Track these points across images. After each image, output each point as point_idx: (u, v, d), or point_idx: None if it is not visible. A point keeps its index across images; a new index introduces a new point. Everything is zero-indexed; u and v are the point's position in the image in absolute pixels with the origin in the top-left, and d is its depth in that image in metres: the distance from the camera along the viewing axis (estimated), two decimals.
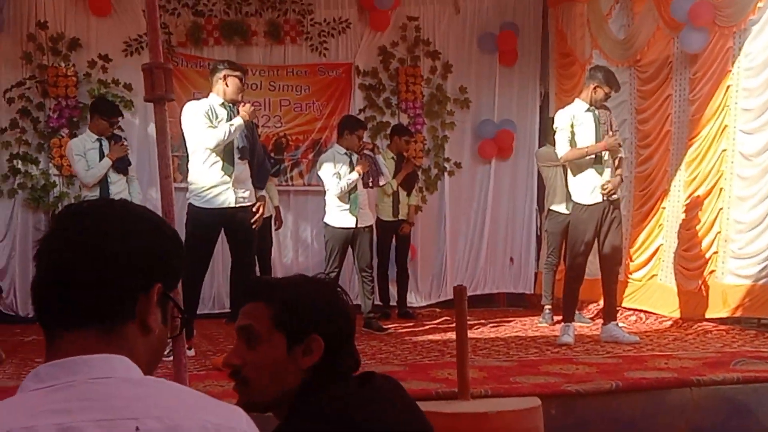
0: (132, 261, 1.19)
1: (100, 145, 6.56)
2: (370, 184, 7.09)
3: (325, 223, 7.04)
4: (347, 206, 6.87)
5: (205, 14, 8.74)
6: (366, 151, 7.10)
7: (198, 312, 8.12)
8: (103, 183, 6.47)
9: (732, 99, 6.78)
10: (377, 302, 7.94)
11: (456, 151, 9.47)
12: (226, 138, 5.49)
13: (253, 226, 5.72)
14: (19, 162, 8.18)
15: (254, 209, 5.72)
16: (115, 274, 1.18)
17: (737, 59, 6.73)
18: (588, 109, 6.17)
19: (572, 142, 6.15)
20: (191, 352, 5.48)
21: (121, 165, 6.64)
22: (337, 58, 9.15)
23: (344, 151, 6.94)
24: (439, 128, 9.36)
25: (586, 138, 6.13)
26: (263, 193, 5.95)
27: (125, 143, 6.75)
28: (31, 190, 8.12)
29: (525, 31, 9.57)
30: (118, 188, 6.55)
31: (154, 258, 1.23)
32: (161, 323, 1.26)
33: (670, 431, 4.18)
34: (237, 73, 5.68)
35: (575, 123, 6.14)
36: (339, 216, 6.90)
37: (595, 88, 6.13)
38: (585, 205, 6.15)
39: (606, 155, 6.15)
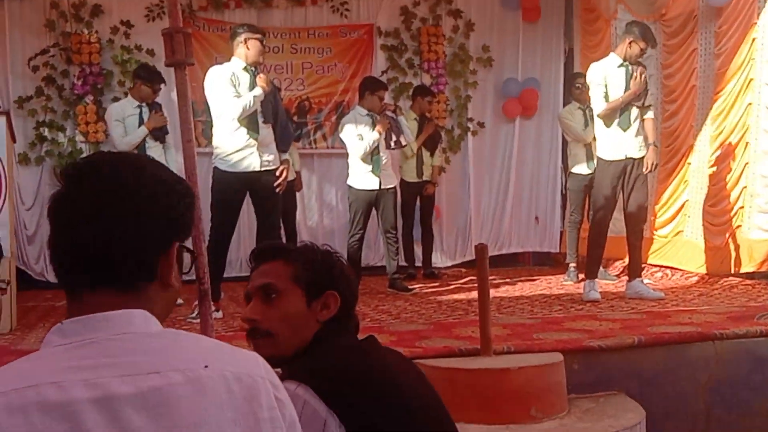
0: (150, 226, 1.21)
1: (140, 111, 6.60)
2: (392, 145, 7.08)
3: (349, 185, 7.07)
4: (370, 167, 6.89)
5: None
6: (387, 112, 7.09)
7: (225, 275, 8.29)
8: (141, 149, 6.51)
9: (758, 52, 6.67)
10: (402, 263, 7.99)
11: (479, 111, 9.42)
12: (250, 107, 5.55)
13: (277, 190, 5.77)
14: (46, 130, 8.27)
15: (278, 173, 5.76)
16: (134, 241, 1.19)
17: (762, 11, 6.62)
18: (621, 65, 6.09)
19: (606, 97, 6.09)
20: (219, 314, 5.57)
21: (159, 133, 6.66)
22: (359, 19, 9.11)
23: (366, 112, 6.94)
24: (462, 88, 9.31)
25: (616, 95, 6.07)
26: (287, 156, 6.00)
27: (164, 114, 6.77)
28: (59, 158, 8.21)
29: None
30: (154, 154, 6.57)
31: (171, 219, 1.24)
32: (178, 276, 1.28)
33: (693, 385, 4.20)
34: (257, 36, 5.72)
35: (607, 79, 6.08)
36: (362, 178, 6.92)
37: (630, 43, 6.04)
38: (608, 161, 6.13)
39: (634, 113, 6.09)
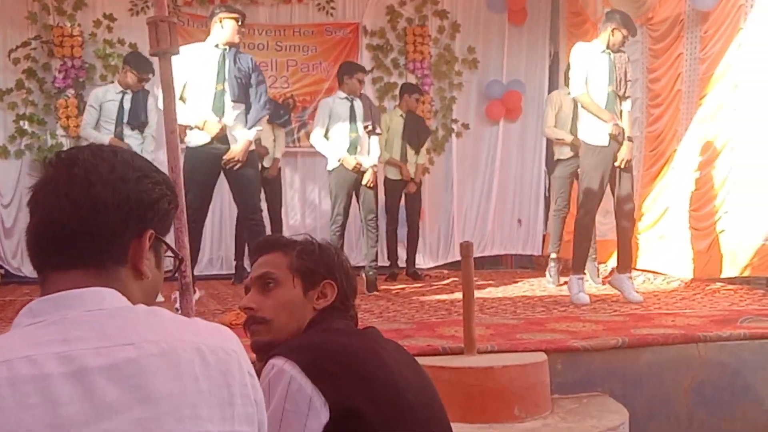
0: (120, 208, 1.21)
1: (122, 98, 6.53)
2: (370, 128, 6.93)
3: (328, 170, 6.90)
4: (347, 146, 6.73)
5: None
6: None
7: (207, 273, 8.23)
8: (119, 136, 6.44)
9: (743, 57, 6.69)
10: (384, 263, 7.94)
11: (464, 112, 9.42)
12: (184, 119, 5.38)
13: (225, 166, 5.53)
14: (26, 123, 8.18)
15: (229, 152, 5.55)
16: (104, 222, 1.19)
17: (748, 16, 6.64)
18: (604, 51, 6.04)
19: (586, 81, 6.03)
20: (201, 293, 5.46)
21: (136, 121, 6.59)
22: (345, 17, 9.09)
23: (344, 95, 6.85)
24: (447, 89, 9.30)
25: (599, 81, 5.98)
26: (249, 134, 5.63)
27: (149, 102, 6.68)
28: (39, 151, 8.12)
29: None
30: (132, 143, 6.49)
31: (143, 205, 1.24)
32: (155, 268, 1.28)
33: (676, 387, 4.18)
34: (233, 15, 5.57)
35: (589, 64, 6.01)
36: (334, 151, 6.77)
37: (613, 31, 5.97)
38: (595, 147, 5.99)
39: (611, 93, 5.99)
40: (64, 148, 6.10)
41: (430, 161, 9.09)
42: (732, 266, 6.69)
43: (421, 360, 3.72)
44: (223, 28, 5.56)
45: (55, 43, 8.17)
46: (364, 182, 6.76)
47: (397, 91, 8.85)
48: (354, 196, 6.85)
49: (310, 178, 9.03)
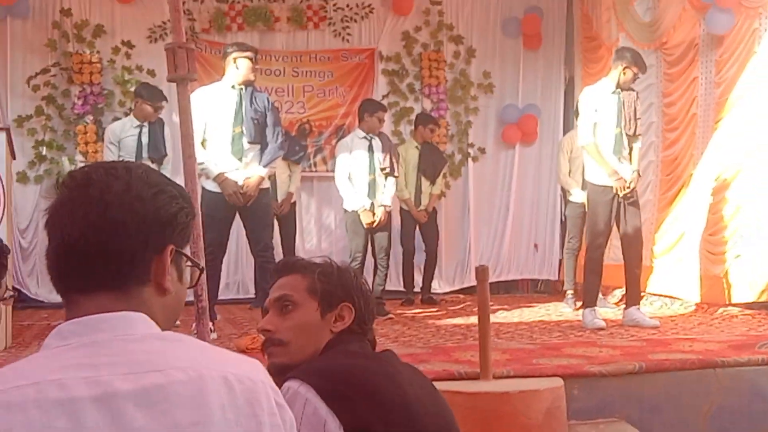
0: (140, 228, 1.20)
1: (140, 132, 6.57)
2: (388, 170, 6.97)
3: (345, 209, 7.01)
4: (366, 191, 6.82)
5: (229, 0, 8.76)
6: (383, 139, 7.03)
7: (223, 297, 8.24)
8: None
9: (758, 81, 6.68)
10: (400, 288, 7.94)
11: (480, 137, 9.43)
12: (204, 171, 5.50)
13: (228, 200, 5.63)
14: (45, 149, 8.27)
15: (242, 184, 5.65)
16: (124, 242, 1.19)
17: (762, 40, 6.64)
18: (614, 92, 6.08)
19: (595, 127, 6.08)
20: (214, 335, 5.51)
21: (156, 154, 6.64)
22: (360, 43, 9.15)
23: (363, 134, 6.91)
24: (463, 113, 9.32)
25: (608, 122, 6.05)
26: (262, 171, 5.75)
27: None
28: (57, 177, 8.19)
29: (549, 15, 9.49)
30: None
31: (162, 221, 1.23)
32: (177, 281, 1.27)
33: (694, 412, 4.15)
34: (246, 54, 5.65)
35: (598, 106, 6.07)
36: (356, 200, 6.85)
37: (624, 69, 6.03)
38: (601, 186, 6.07)
39: (625, 143, 6.07)
40: None
41: (447, 185, 9.09)
42: (749, 291, 6.64)
43: (437, 385, 3.72)
44: (238, 69, 5.63)
45: (74, 70, 8.27)
46: (374, 223, 6.82)
47: (412, 116, 8.90)
48: (369, 234, 6.94)
49: (326, 202, 9.05)
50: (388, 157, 6.92)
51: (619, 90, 6.07)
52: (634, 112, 6.12)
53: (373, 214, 6.80)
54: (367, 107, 7.06)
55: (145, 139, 6.56)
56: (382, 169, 6.89)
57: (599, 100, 6.08)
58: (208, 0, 8.73)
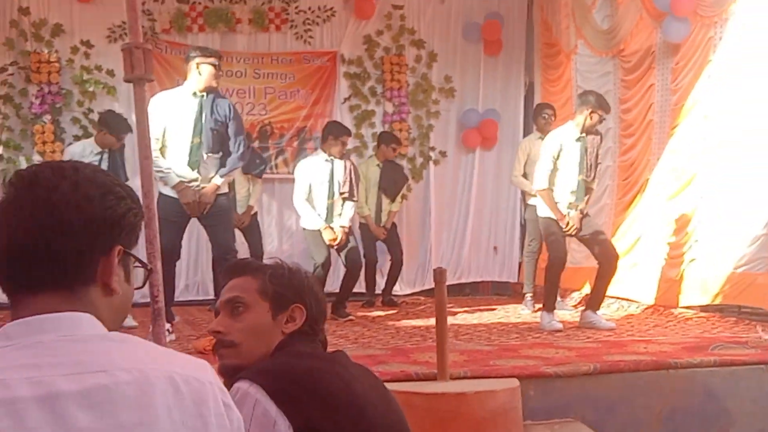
0: (87, 228, 1.19)
1: (101, 158, 6.43)
2: (346, 195, 6.95)
3: (303, 227, 7.02)
4: (324, 214, 6.87)
5: (190, 1, 8.70)
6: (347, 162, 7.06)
7: (183, 299, 8.18)
8: None
9: (712, 88, 6.81)
10: (361, 290, 7.94)
11: (441, 140, 9.48)
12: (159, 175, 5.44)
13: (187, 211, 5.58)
14: (2, 148, 8.15)
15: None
16: (71, 243, 1.18)
17: (718, 48, 6.77)
18: (578, 138, 6.16)
19: (552, 174, 6.21)
20: (172, 337, 5.47)
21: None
22: (322, 46, 9.14)
23: (326, 157, 6.90)
24: (424, 117, 9.36)
25: (569, 168, 6.18)
26: (218, 180, 5.65)
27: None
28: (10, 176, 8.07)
29: (510, 21, 9.57)
30: None
31: (109, 222, 1.22)
32: (124, 282, 1.27)
33: (648, 413, 4.22)
34: (210, 60, 5.54)
35: (562, 151, 6.17)
36: (315, 220, 6.88)
37: (590, 114, 6.08)
38: (553, 219, 6.23)
39: (580, 181, 6.19)
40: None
41: (408, 188, 9.11)
42: (704, 294, 6.76)
43: (394, 386, 3.74)
44: (201, 75, 5.52)
45: (32, 69, 8.16)
46: (336, 240, 6.85)
47: (374, 119, 8.93)
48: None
49: (287, 205, 8.99)
50: (348, 182, 6.94)
51: (584, 135, 6.14)
52: (596, 158, 6.25)
53: (333, 241, 6.83)
54: (332, 130, 7.03)
55: (105, 165, 6.43)
56: (341, 194, 6.92)
57: (563, 145, 6.16)
58: (169, 0, 8.67)
